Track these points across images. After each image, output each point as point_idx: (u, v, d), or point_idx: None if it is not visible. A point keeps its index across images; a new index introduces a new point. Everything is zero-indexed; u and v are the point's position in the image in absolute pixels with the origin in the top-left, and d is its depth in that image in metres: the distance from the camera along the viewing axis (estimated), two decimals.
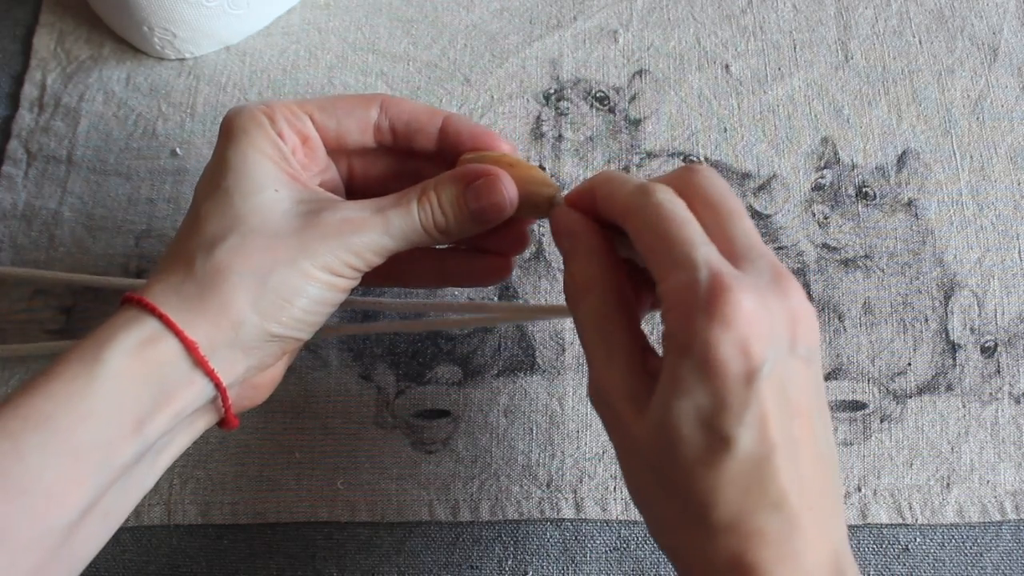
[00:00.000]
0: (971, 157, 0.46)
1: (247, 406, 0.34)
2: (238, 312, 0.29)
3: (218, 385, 0.30)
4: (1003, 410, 0.41)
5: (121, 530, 0.40)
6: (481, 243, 0.36)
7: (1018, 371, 0.42)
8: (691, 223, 0.28)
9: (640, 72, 0.49)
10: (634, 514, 0.40)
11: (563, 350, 0.43)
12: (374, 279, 0.34)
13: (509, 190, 0.32)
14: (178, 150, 0.47)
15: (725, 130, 0.47)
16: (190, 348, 0.29)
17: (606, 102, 0.48)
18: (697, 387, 0.25)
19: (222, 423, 0.32)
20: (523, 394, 0.42)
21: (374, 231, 0.31)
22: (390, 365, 0.43)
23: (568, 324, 0.43)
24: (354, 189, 0.36)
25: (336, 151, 0.35)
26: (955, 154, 0.46)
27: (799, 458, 0.26)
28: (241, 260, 0.29)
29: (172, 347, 0.28)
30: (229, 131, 0.32)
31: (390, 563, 0.40)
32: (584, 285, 0.30)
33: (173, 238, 0.32)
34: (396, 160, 0.36)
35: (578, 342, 0.43)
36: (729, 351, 0.25)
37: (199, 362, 0.29)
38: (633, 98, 0.48)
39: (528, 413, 0.42)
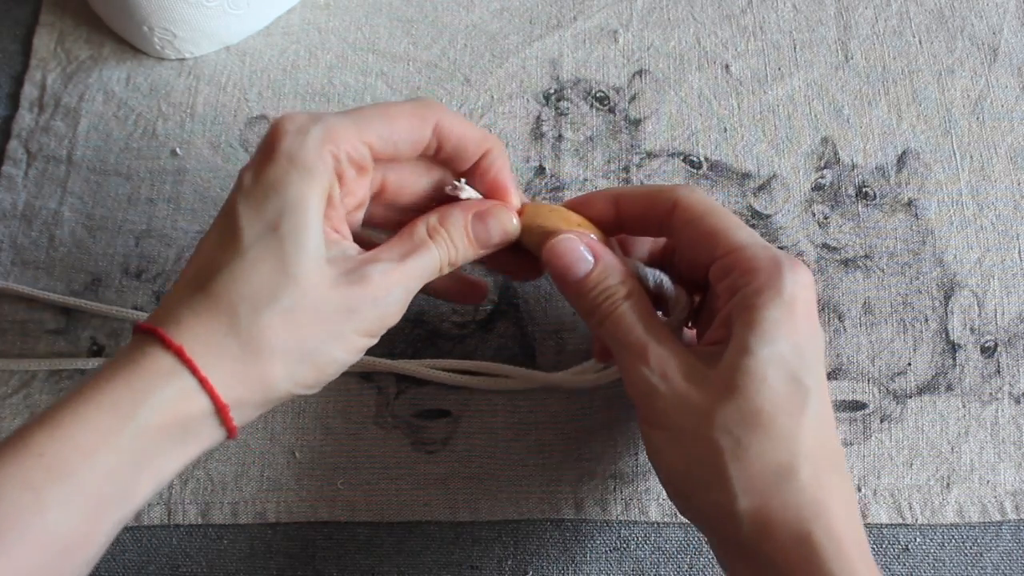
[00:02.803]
0: (971, 157, 0.46)
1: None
2: (274, 381, 0.29)
3: (231, 433, 0.30)
4: (1003, 410, 0.41)
5: (121, 530, 0.41)
6: (499, 267, 0.38)
7: (1018, 371, 0.42)
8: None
9: (640, 72, 0.49)
10: (634, 514, 0.40)
11: (562, 350, 0.43)
12: None
13: (510, 219, 0.34)
14: (178, 150, 0.47)
15: (725, 130, 0.47)
16: (222, 411, 0.29)
17: (606, 102, 0.48)
18: (782, 335, 0.29)
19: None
20: (523, 394, 0.42)
21: (406, 281, 0.32)
22: None
23: (568, 324, 0.43)
24: (381, 199, 0.36)
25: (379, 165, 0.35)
26: (955, 154, 0.46)
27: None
28: (288, 332, 0.29)
29: (203, 405, 0.28)
30: (290, 161, 0.30)
31: (390, 563, 0.40)
32: (620, 293, 0.32)
33: (204, 255, 0.30)
34: (424, 167, 0.35)
35: (578, 342, 0.43)
36: (810, 303, 0.30)
37: (225, 421, 0.29)
38: (633, 98, 0.48)
39: (528, 413, 0.42)
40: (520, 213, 0.35)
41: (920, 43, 0.49)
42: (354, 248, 0.32)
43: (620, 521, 0.40)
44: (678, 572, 0.40)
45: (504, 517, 0.40)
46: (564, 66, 0.49)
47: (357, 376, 0.42)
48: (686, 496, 0.31)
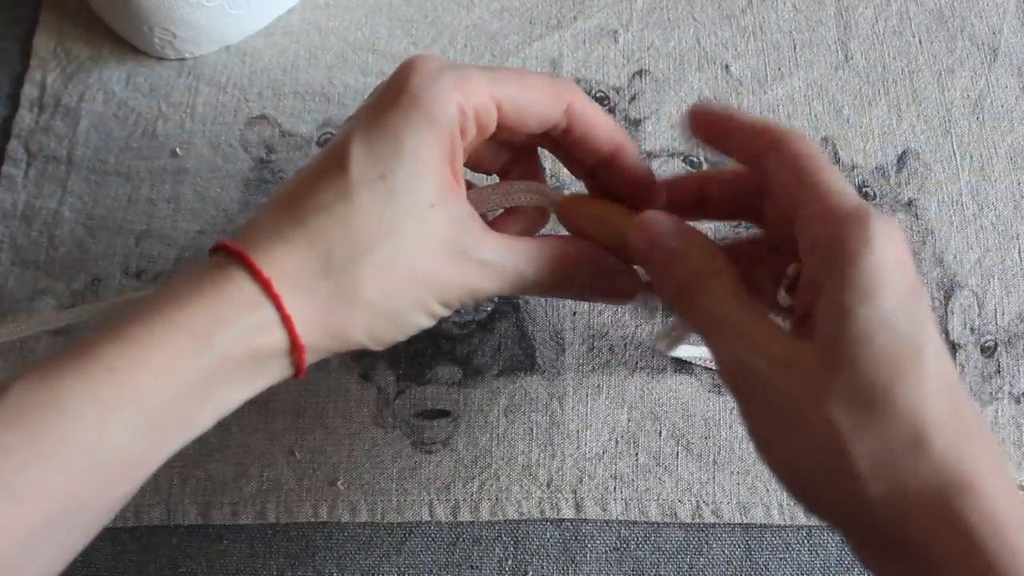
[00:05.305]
0: (971, 157, 0.46)
1: None
2: (352, 332, 0.28)
3: (299, 373, 0.29)
4: (1003, 410, 0.41)
5: (121, 530, 0.41)
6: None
7: (1018, 371, 0.42)
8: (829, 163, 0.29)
9: (640, 72, 0.49)
10: (634, 514, 0.40)
11: (563, 350, 0.43)
12: None
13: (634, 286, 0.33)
14: (178, 150, 0.47)
15: None
16: (299, 352, 0.27)
17: (606, 102, 0.48)
18: (881, 289, 0.25)
19: None
20: (523, 394, 0.42)
21: (504, 285, 0.30)
22: (390, 365, 0.43)
23: (569, 324, 0.43)
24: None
25: None
26: (955, 154, 0.46)
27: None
28: (380, 287, 0.28)
29: (280, 342, 0.27)
30: (414, 105, 0.28)
31: (390, 563, 0.40)
32: (710, 270, 0.29)
33: (305, 186, 0.29)
34: (498, 148, 0.34)
35: (578, 342, 0.43)
36: (905, 254, 0.26)
37: (298, 362, 0.28)
38: (633, 98, 0.48)
39: (528, 413, 0.42)
40: (564, 209, 0.33)
41: (920, 43, 0.49)
42: (466, 212, 0.30)
43: (620, 521, 0.40)
44: (678, 572, 0.40)
45: (504, 517, 0.40)
46: (564, 66, 0.49)
47: (357, 376, 0.43)
48: (808, 489, 0.27)
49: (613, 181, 0.33)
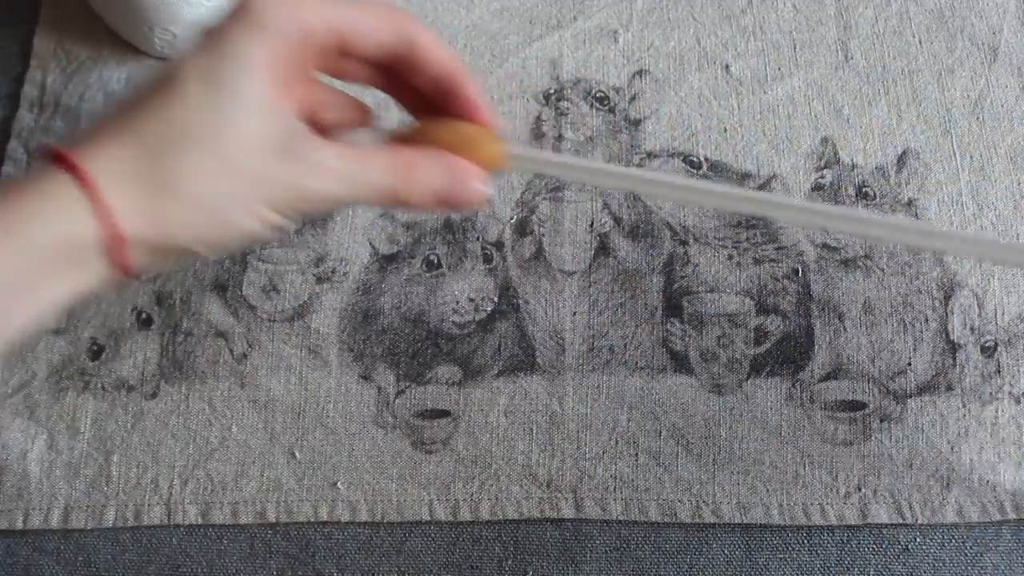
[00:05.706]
0: (971, 157, 0.46)
1: None
2: (175, 227, 0.28)
3: (123, 270, 0.29)
4: (1003, 410, 0.41)
5: (121, 530, 0.41)
6: None
7: (1018, 371, 0.42)
8: None
9: (640, 72, 0.49)
10: (634, 514, 0.40)
11: (563, 350, 0.43)
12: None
13: (485, 191, 0.33)
14: None
15: (725, 130, 0.47)
16: (120, 243, 0.27)
17: (606, 102, 0.48)
18: None
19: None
20: (523, 394, 0.42)
21: (340, 187, 0.30)
22: (390, 365, 0.43)
23: (569, 324, 0.43)
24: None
25: None
26: (955, 154, 0.46)
27: None
28: (203, 180, 0.28)
29: (97, 233, 0.27)
30: (245, 16, 0.29)
31: (390, 563, 0.40)
32: None
33: (137, 94, 0.29)
34: (349, 103, 0.34)
35: (578, 342, 0.43)
36: None
37: (121, 256, 0.28)
38: (633, 98, 0.48)
39: (528, 413, 0.42)
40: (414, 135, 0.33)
41: (920, 43, 0.49)
42: (299, 123, 0.30)
43: (620, 521, 0.40)
44: (678, 572, 0.40)
45: (504, 517, 0.40)
46: (564, 66, 0.49)
47: (357, 376, 0.43)
48: None
49: (455, 111, 0.33)
